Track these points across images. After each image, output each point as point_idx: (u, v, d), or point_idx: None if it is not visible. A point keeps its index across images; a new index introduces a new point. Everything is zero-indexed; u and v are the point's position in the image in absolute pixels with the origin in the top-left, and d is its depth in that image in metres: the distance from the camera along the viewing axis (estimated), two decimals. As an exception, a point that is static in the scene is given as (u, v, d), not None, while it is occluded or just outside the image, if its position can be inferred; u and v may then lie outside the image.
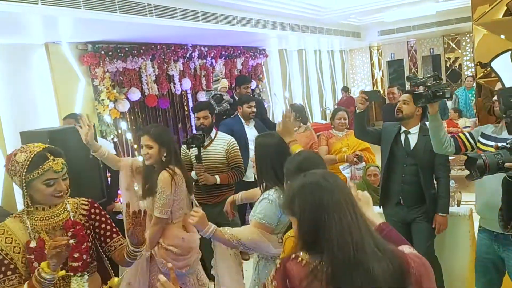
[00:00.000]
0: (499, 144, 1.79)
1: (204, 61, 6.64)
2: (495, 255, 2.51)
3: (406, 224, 3.07)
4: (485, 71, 3.26)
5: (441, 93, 2.35)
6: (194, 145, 3.35)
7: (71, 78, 4.78)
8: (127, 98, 5.28)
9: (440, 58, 12.08)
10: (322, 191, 1.30)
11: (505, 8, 3.60)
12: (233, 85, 6.34)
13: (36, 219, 1.78)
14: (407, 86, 12.41)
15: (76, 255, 1.78)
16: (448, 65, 12.05)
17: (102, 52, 4.95)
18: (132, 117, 5.67)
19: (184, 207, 2.80)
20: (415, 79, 2.50)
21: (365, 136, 3.26)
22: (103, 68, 4.97)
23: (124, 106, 5.18)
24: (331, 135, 4.43)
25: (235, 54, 7.31)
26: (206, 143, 3.52)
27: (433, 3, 7.40)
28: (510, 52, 2.20)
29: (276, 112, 8.50)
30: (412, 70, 12.48)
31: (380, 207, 3.19)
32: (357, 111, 3.12)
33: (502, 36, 3.51)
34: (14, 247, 1.70)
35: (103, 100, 4.94)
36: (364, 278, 1.22)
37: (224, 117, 4.71)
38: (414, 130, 3.03)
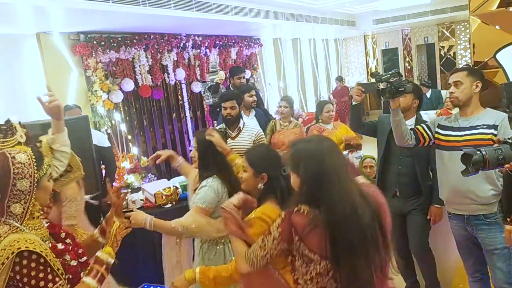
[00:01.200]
0: (501, 138, 1.80)
1: (198, 51, 6.58)
2: (471, 236, 2.62)
3: (402, 216, 3.09)
4: (483, 63, 3.27)
5: (403, 89, 2.53)
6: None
7: (63, 69, 4.71)
8: (121, 89, 5.22)
9: (435, 47, 12.07)
10: (325, 156, 1.58)
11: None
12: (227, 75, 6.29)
13: (31, 228, 1.62)
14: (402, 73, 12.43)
15: None
16: (442, 53, 12.05)
17: (95, 42, 4.87)
18: (126, 108, 5.62)
19: None
20: (379, 76, 2.65)
21: (361, 128, 3.25)
22: (96, 58, 4.90)
23: (118, 97, 5.13)
24: (322, 128, 4.42)
25: (229, 43, 7.25)
26: (234, 134, 3.49)
27: (429, -9, 7.38)
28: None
29: (271, 102, 8.47)
30: (407, 59, 12.48)
31: None
32: (354, 103, 3.11)
33: (497, 27, 3.51)
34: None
35: (96, 91, 4.88)
36: (357, 227, 1.52)
37: (219, 109, 4.66)
38: (410, 122, 3.02)
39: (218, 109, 4.64)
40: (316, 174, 1.56)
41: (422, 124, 2.74)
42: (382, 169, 3.13)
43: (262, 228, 1.75)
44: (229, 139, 3.40)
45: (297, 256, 1.58)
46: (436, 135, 2.65)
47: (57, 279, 1.55)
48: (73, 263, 1.68)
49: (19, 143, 1.77)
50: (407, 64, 12.53)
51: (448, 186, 2.61)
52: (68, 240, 1.79)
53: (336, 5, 7.90)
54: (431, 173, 3.06)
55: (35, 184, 1.60)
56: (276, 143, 4.26)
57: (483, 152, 1.65)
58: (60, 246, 1.68)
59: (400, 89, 2.53)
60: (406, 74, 12.43)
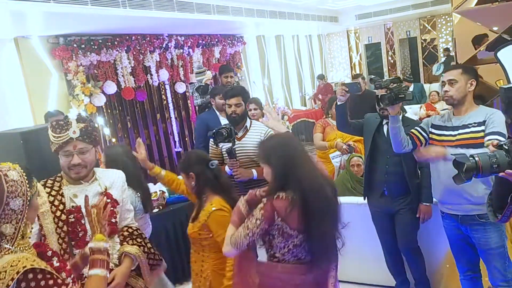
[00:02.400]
0: (485, 130, 1.78)
1: (181, 51, 6.50)
2: (465, 236, 2.60)
3: (390, 215, 3.09)
4: (469, 58, 3.30)
5: (403, 95, 2.48)
6: (225, 141, 3.04)
7: (42, 73, 4.62)
8: (103, 92, 5.14)
9: (417, 40, 12.16)
10: (290, 147, 1.95)
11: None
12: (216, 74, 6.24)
13: (22, 249, 1.53)
14: (385, 68, 12.53)
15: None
16: (424, 46, 12.15)
17: (75, 45, 4.78)
18: (109, 111, 5.54)
19: None
20: (378, 81, 2.60)
21: (347, 128, 3.23)
22: (76, 61, 4.81)
23: (100, 100, 5.05)
24: (327, 123, 4.41)
25: (212, 42, 7.19)
26: (240, 134, 3.19)
27: (410, -14, 7.41)
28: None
29: (256, 100, 8.44)
30: (390, 53, 12.55)
31: (364, 198, 3.20)
32: (338, 103, 3.09)
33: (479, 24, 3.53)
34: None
35: (77, 95, 4.80)
36: (324, 200, 1.87)
37: (206, 110, 4.60)
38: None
39: (206, 109, 4.58)
40: (285, 161, 1.89)
41: (416, 127, 2.70)
42: (369, 168, 3.12)
43: (225, 216, 2.21)
44: (236, 139, 3.16)
45: (276, 234, 1.86)
46: (431, 135, 2.62)
47: (66, 281, 1.52)
48: (68, 280, 1.63)
49: (71, 138, 1.92)
50: (390, 58, 12.60)
51: (441, 186, 2.58)
52: (55, 259, 1.74)
53: (318, 1, 7.89)
54: (419, 171, 3.06)
55: (28, 203, 1.52)
56: None
57: (476, 159, 1.56)
58: (55, 263, 1.62)
59: (400, 96, 2.47)
60: (389, 68, 12.52)
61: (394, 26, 12.27)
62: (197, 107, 5.28)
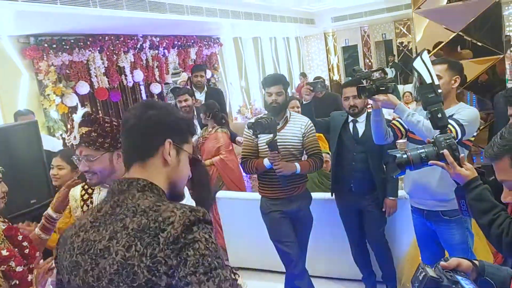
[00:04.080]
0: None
1: (157, 51, 6.51)
2: (431, 230, 2.65)
3: (358, 211, 3.16)
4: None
5: (384, 88, 2.33)
6: (265, 132, 2.77)
7: (12, 73, 4.57)
8: (75, 92, 5.11)
9: (393, 43, 12.39)
10: None
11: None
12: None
13: None
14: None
15: None
16: (399, 49, 12.39)
17: (46, 45, 4.75)
18: (82, 112, 5.49)
19: None
20: (360, 72, 2.46)
21: (314, 126, 3.30)
22: (48, 61, 4.77)
23: (72, 100, 5.01)
24: None
25: (188, 44, 7.21)
26: (280, 125, 2.96)
27: (382, -11, 7.57)
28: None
29: (233, 101, 8.48)
30: (366, 55, 12.75)
31: (332, 195, 3.27)
32: (304, 102, 3.16)
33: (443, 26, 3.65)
34: None
35: (48, 95, 4.76)
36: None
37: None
38: (362, 119, 3.09)
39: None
40: None
41: (397, 119, 2.64)
42: (336, 165, 3.18)
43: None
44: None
45: None
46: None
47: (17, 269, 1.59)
48: (19, 269, 1.66)
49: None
50: (367, 60, 12.80)
51: (411, 180, 2.61)
52: (25, 243, 1.78)
53: (294, 3, 7.99)
54: (384, 167, 3.14)
55: None
56: (202, 151, 4.18)
57: (408, 154, 1.78)
58: (4, 252, 1.65)
59: (381, 88, 2.33)
60: (366, 70, 12.69)
61: (370, 28, 12.47)
62: None
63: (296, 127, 2.97)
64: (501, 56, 3.55)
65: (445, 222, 2.51)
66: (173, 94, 5.25)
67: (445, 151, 1.71)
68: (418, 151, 1.77)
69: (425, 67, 1.91)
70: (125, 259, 0.99)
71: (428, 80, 1.89)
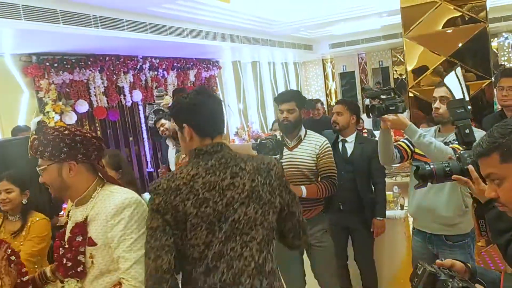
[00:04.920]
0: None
1: (156, 73, 6.62)
2: (430, 254, 2.60)
3: (347, 229, 3.19)
4: (416, 82, 3.52)
5: (394, 108, 2.27)
6: (269, 153, 2.66)
7: (13, 90, 4.66)
8: (74, 110, 5.18)
9: (389, 70, 12.60)
10: None
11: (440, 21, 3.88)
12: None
13: None
14: (359, 96, 12.87)
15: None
16: (395, 77, 12.58)
17: (47, 64, 4.85)
18: (80, 130, 5.56)
19: None
20: (369, 91, 2.45)
21: (331, 147, 3.32)
22: (48, 79, 4.87)
23: (71, 118, 5.08)
24: None
25: (187, 66, 7.34)
26: (292, 144, 2.87)
27: (378, 18, 7.75)
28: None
29: (231, 123, 8.57)
30: (364, 82, 12.94)
31: (323, 213, 3.29)
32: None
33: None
34: None
35: (48, 112, 4.83)
36: None
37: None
38: (351, 139, 3.15)
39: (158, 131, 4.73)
40: None
41: (404, 139, 2.61)
42: None
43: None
44: (286, 149, 2.84)
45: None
46: (415, 149, 2.54)
47: None
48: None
49: None
50: (364, 87, 12.98)
51: (416, 202, 2.58)
52: (12, 258, 1.79)
53: (292, 29, 8.16)
54: (373, 187, 3.19)
55: None
56: None
57: (432, 166, 1.69)
58: None
59: (391, 108, 2.27)
60: (363, 97, 12.87)
61: (368, 56, 12.70)
62: (151, 128, 5.46)
63: (311, 146, 2.85)
64: (489, 81, 3.67)
65: (448, 247, 2.48)
66: (155, 116, 5.35)
67: (470, 167, 1.62)
68: (443, 165, 1.68)
69: (458, 82, 1.92)
70: (252, 187, 1.58)
71: (459, 96, 1.88)
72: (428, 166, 1.69)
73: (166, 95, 5.96)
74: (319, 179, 2.86)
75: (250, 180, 1.58)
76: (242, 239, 1.55)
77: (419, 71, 3.73)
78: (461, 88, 1.93)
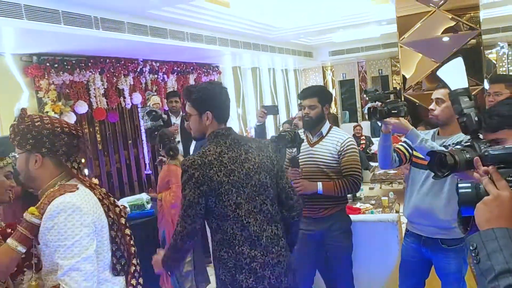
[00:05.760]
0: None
1: (156, 76, 6.68)
2: (422, 258, 2.61)
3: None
4: (413, 86, 3.58)
5: (396, 111, 2.24)
6: (288, 146, 2.71)
7: (13, 89, 4.69)
8: (74, 111, 5.23)
9: (389, 79, 12.66)
10: None
11: (435, 27, 3.95)
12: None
13: None
14: (358, 104, 12.92)
15: None
16: (394, 86, 12.63)
17: (48, 64, 4.90)
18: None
19: None
20: (372, 93, 2.40)
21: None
22: (48, 80, 4.91)
23: (70, 119, 5.11)
24: None
25: (187, 70, 7.39)
26: (314, 140, 2.85)
27: (377, 26, 7.81)
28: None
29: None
30: (363, 90, 12.99)
31: (343, 212, 3.31)
32: (257, 124, 3.23)
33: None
34: None
35: (47, 112, 4.86)
36: None
37: (156, 133, 4.76)
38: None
39: (155, 133, 4.72)
40: None
41: (402, 143, 2.61)
42: None
43: None
44: (308, 145, 2.85)
45: None
46: (414, 153, 2.53)
47: None
48: None
49: None
50: (364, 95, 13.04)
51: (411, 204, 2.57)
52: None
53: (292, 36, 8.23)
54: None
55: None
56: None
57: (452, 153, 1.49)
58: None
59: (393, 111, 2.25)
60: (362, 105, 12.92)
61: (367, 64, 12.77)
62: (146, 130, 5.51)
63: (332, 143, 2.80)
64: (481, 87, 3.72)
65: (443, 251, 2.48)
66: (148, 117, 5.41)
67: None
68: (462, 152, 1.50)
69: (462, 71, 1.85)
70: (260, 160, 2.08)
71: (463, 85, 1.82)
72: (450, 155, 1.50)
73: (153, 95, 6.02)
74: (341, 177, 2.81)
75: (257, 155, 2.08)
76: (260, 199, 2.05)
77: (414, 76, 3.78)
78: (465, 77, 1.86)
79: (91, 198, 1.65)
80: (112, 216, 1.69)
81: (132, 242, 1.79)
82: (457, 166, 1.47)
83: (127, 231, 1.78)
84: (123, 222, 1.77)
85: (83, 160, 5.50)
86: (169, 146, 4.07)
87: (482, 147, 1.43)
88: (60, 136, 1.64)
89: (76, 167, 1.70)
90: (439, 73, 1.90)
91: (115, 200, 1.84)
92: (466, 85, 1.84)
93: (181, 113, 5.54)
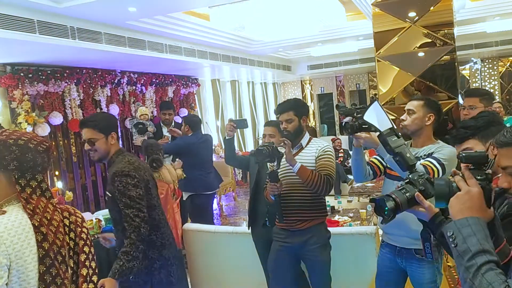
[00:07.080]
0: (399, 184, 1.84)
1: (134, 87, 6.61)
2: (397, 268, 2.63)
3: (269, 242, 3.13)
4: (389, 100, 3.65)
5: (367, 126, 2.21)
6: (265, 160, 2.67)
7: (-15, 99, 4.57)
8: (48, 122, 5.11)
9: (366, 93, 12.86)
10: None
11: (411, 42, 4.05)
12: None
13: None
14: (336, 117, 13.07)
15: None
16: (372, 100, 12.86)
17: (22, 74, 4.79)
18: (54, 142, 5.47)
19: None
20: (343, 108, 2.41)
21: (235, 162, 3.38)
22: (22, 90, 4.80)
23: (44, 130, 5.00)
24: None
25: (166, 82, 7.35)
26: (294, 151, 2.83)
27: (354, 41, 7.95)
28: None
29: (208, 140, 8.56)
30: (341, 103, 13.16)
31: (248, 228, 3.34)
32: (227, 137, 3.23)
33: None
34: None
35: (20, 123, 4.75)
36: None
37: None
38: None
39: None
40: None
41: (376, 156, 2.62)
42: (253, 200, 3.26)
43: None
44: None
45: None
46: (388, 165, 2.48)
47: None
48: None
49: None
50: (341, 109, 13.20)
51: None
52: None
53: (270, 49, 8.30)
54: None
55: None
56: None
57: (393, 197, 1.54)
58: None
59: (363, 126, 2.24)
60: (340, 118, 13.07)
61: (345, 78, 12.96)
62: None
63: (312, 151, 2.84)
64: (456, 101, 3.81)
65: (417, 261, 2.50)
66: (135, 129, 5.35)
67: (418, 194, 1.57)
68: (402, 193, 1.57)
69: (383, 113, 1.91)
70: None
71: (388, 126, 1.86)
72: (390, 198, 1.55)
73: (140, 105, 5.95)
74: None
75: None
76: None
77: (390, 89, 3.85)
78: (387, 117, 1.91)
79: (17, 226, 1.44)
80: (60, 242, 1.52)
81: (88, 263, 1.62)
82: (399, 207, 1.55)
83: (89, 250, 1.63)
84: (87, 243, 1.64)
85: (57, 173, 5.36)
86: (151, 157, 4.03)
87: (420, 181, 1.54)
88: (10, 149, 1.47)
89: (33, 185, 1.52)
90: (366, 117, 1.93)
91: (83, 217, 1.70)
92: (391, 125, 1.87)
93: (173, 125, 5.48)
